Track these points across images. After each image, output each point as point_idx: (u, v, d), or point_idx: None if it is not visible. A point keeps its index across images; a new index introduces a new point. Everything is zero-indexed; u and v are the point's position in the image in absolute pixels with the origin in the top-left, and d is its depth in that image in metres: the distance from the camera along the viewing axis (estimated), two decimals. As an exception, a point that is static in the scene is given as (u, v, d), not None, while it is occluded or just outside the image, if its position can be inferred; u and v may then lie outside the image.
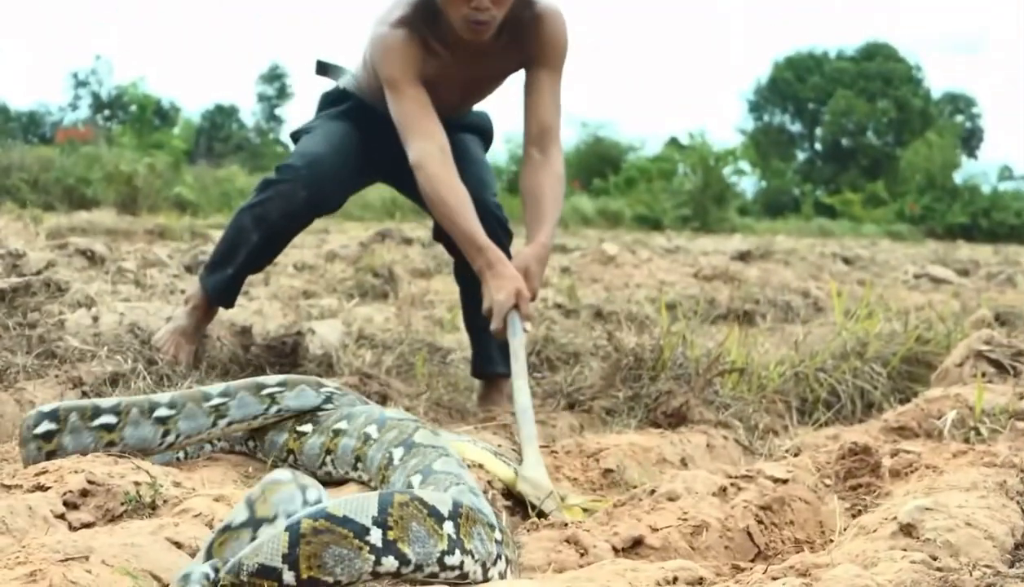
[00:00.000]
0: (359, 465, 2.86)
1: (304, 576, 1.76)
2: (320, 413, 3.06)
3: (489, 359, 4.40)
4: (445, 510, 1.94)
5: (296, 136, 4.44)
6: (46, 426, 2.83)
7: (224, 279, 4.31)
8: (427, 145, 3.86)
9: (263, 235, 4.20)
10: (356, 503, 1.85)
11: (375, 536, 1.83)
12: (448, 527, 1.93)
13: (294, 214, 4.16)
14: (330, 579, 1.78)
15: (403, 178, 4.13)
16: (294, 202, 4.11)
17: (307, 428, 3.03)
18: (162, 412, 2.91)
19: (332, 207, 4.29)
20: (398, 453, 2.71)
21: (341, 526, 1.80)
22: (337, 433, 2.96)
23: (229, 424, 3.00)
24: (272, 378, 3.10)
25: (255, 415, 3.02)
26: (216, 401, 2.98)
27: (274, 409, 3.04)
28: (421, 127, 3.90)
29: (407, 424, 2.81)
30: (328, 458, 2.95)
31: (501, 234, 4.15)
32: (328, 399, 3.10)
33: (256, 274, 5.09)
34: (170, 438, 2.93)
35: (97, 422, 2.85)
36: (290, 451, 3.04)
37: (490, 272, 3.73)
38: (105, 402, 2.91)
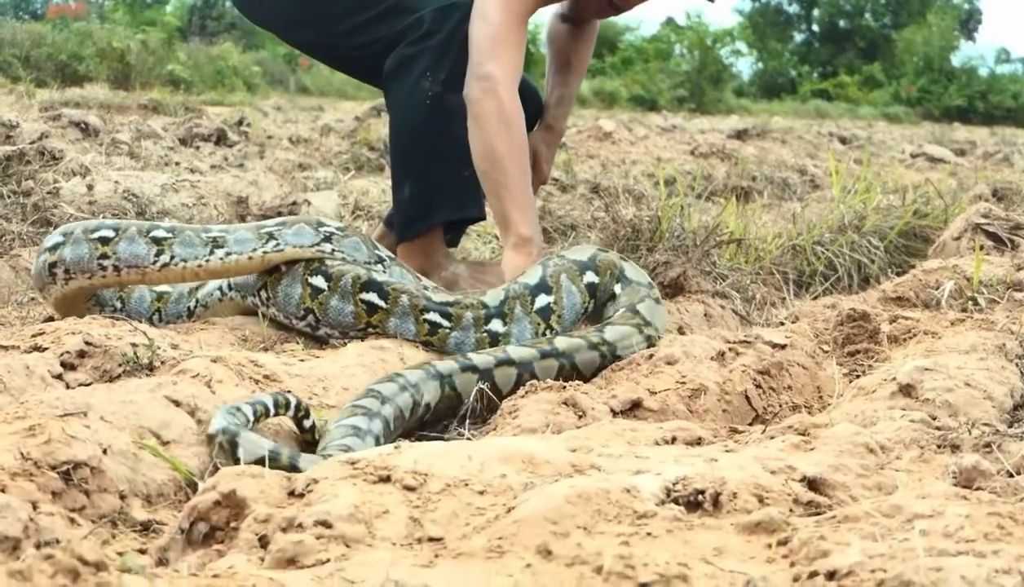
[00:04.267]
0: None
1: None
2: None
3: None
4: None
5: None
6: (55, 239, 3.01)
7: (463, 187, 3.61)
8: (511, 74, 3.37)
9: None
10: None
11: None
12: None
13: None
14: None
15: None
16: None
17: (320, 282, 3.03)
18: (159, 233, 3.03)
19: None
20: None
21: None
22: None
23: (227, 255, 3.01)
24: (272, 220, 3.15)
25: (252, 249, 3.02)
26: (214, 233, 3.05)
27: (272, 244, 3.03)
28: (513, 52, 3.38)
29: None
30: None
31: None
32: (327, 239, 3.10)
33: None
34: (164, 258, 2.98)
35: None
36: (309, 310, 3.05)
37: (525, 258, 3.28)
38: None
